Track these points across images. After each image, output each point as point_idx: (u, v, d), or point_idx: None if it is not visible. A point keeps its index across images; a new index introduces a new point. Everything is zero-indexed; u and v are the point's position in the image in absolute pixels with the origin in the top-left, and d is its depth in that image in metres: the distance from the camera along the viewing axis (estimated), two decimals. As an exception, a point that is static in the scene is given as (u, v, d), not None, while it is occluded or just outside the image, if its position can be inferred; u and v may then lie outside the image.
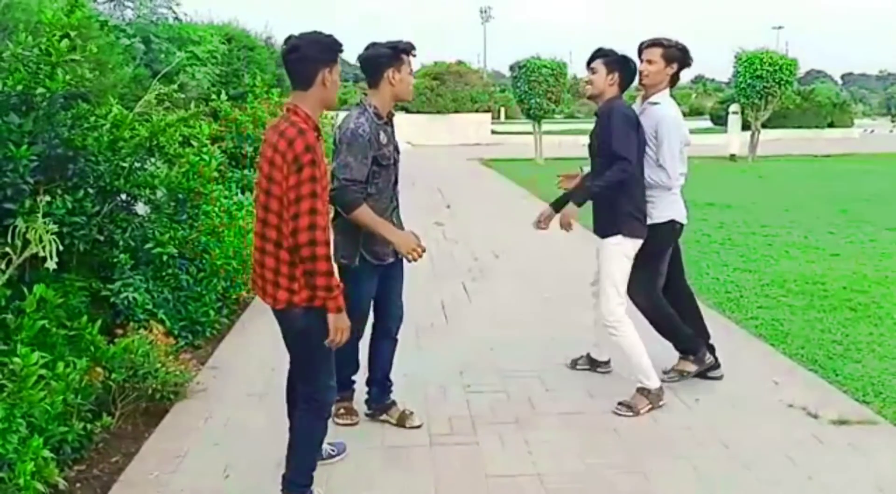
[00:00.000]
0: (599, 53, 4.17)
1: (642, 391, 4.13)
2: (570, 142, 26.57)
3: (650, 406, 4.10)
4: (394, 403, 3.98)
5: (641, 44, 4.31)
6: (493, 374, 4.65)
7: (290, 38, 2.93)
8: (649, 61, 4.23)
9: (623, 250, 4.17)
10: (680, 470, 3.48)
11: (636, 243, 4.18)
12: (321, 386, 3.03)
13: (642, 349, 4.15)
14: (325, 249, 2.78)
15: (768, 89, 20.57)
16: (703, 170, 17.97)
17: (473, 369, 4.72)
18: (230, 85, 8.96)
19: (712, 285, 6.91)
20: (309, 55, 2.83)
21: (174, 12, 8.49)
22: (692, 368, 4.52)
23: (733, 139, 21.86)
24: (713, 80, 76.87)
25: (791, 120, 31.94)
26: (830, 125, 34.49)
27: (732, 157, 21.18)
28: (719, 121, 35.66)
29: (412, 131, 26.49)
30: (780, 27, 65.29)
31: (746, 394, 4.38)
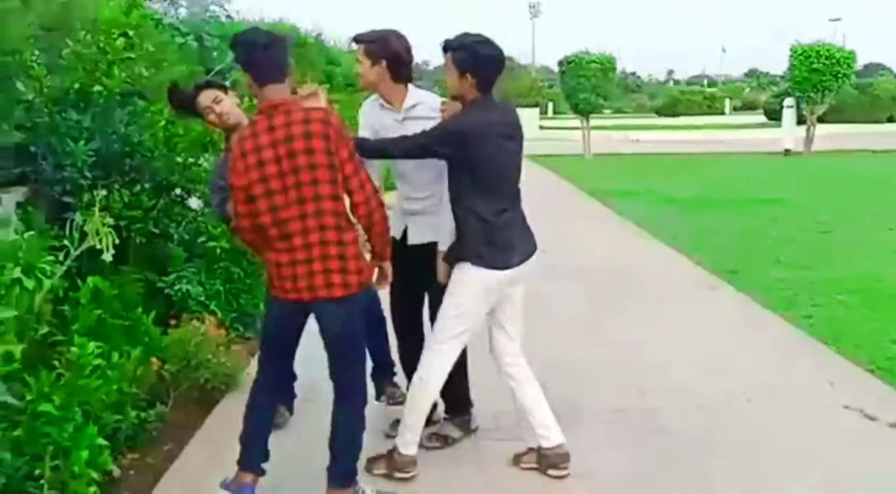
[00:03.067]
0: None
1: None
2: (619, 137, 26.33)
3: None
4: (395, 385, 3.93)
5: None
6: (539, 369, 4.58)
7: (255, 31, 3.01)
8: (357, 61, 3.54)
9: None
10: (732, 472, 3.41)
11: None
12: (365, 378, 3.09)
13: None
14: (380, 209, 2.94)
15: (825, 83, 20.07)
16: (756, 165, 17.63)
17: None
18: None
19: (766, 283, 6.74)
20: (282, 50, 2.86)
21: (226, 10, 8.64)
22: (457, 435, 3.79)
23: (788, 134, 21.32)
24: (767, 73, 75.16)
25: (848, 114, 31.00)
26: (890, 120, 33.42)
27: (787, 152, 20.66)
28: (773, 115, 34.84)
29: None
30: (837, 19, 63.14)
31: (800, 395, 4.27)
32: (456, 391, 3.66)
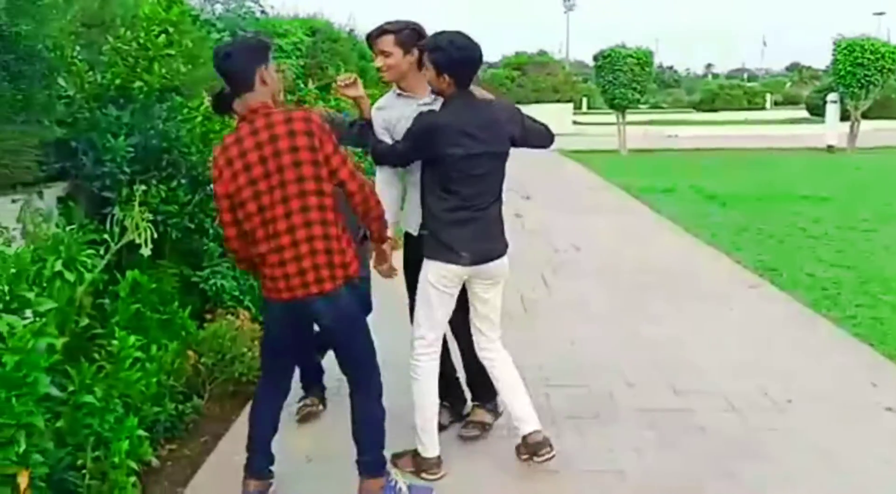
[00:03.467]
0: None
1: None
2: (655, 133, 25.98)
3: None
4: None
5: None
6: (573, 368, 4.58)
7: (221, 46, 3.08)
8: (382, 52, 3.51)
9: None
10: (770, 474, 3.35)
11: None
12: (377, 367, 3.10)
13: None
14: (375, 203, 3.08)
15: (869, 78, 19.54)
16: (798, 162, 17.27)
17: (553, 362, 4.65)
18: (314, 77, 9.10)
19: (807, 281, 6.60)
20: (242, 58, 2.88)
21: (261, 6, 8.69)
22: (491, 419, 3.83)
23: (831, 130, 20.85)
24: (809, 67, 73.63)
25: (893, 110, 30.23)
26: (936, 116, 32.46)
27: (830, 148, 20.22)
28: (816, 111, 34.09)
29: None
30: (881, 13, 61.60)
31: (842, 396, 4.17)
32: (480, 377, 3.67)
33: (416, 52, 3.39)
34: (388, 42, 3.43)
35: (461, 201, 3.24)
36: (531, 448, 3.38)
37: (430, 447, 3.36)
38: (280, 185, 2.81)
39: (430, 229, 3.31)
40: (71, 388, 2.81)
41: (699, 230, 8.96)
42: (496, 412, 3.80)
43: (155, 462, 3.33)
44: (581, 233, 8.79)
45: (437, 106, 3.37)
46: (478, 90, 3.41)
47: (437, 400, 3.41)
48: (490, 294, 3.43)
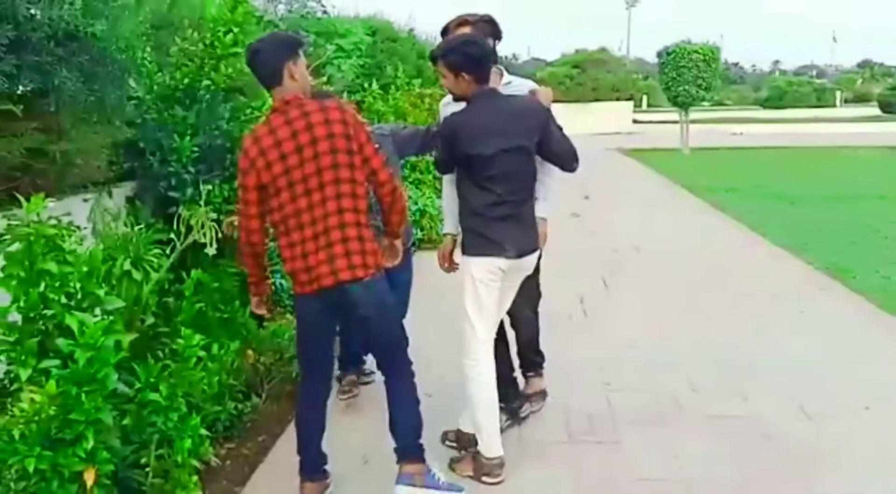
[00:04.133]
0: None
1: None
2: (719, 131, 25.34)
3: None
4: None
5: None
6: (635, 372, 4.47)
7: (252, 43, 3.09)
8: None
9: None
10: (846, 485, 3.21)
11: None
12: (407, 354, 3.13)
13: None
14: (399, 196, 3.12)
15: (949, 72, 18.67)
16: (871, 161, 16.61)
17: (614, 365, 4.55)
18: (372, 76, 9.14)
19: (882, 284, 6.32)
20: (270, 55, 2.91)
21: (322, 6, 8.76)
22: (545, 384, 4.00)
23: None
24: (882, 64, 70.85)
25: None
26: None
27: (911, 146, 19.38)
28: (889, 109, 32.83)
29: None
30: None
31: (923, 406, 3.97)
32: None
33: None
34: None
35: (498, 198, 3.28)
36: (486, 469, 3.34)
37: (493, 446, 3.32)
38: (316, 172, 2.85)
39: (471, 227, 3.34)
40: (137, 386, 2.85)
41: (766, 230, 8.68)
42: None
43: (214, 461, 3.36)
44: (641, 233, 8.61)
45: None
46: (542, 91, 3.46)
47: (496, 397, 3.37)
48: (516, 285, 3.49)
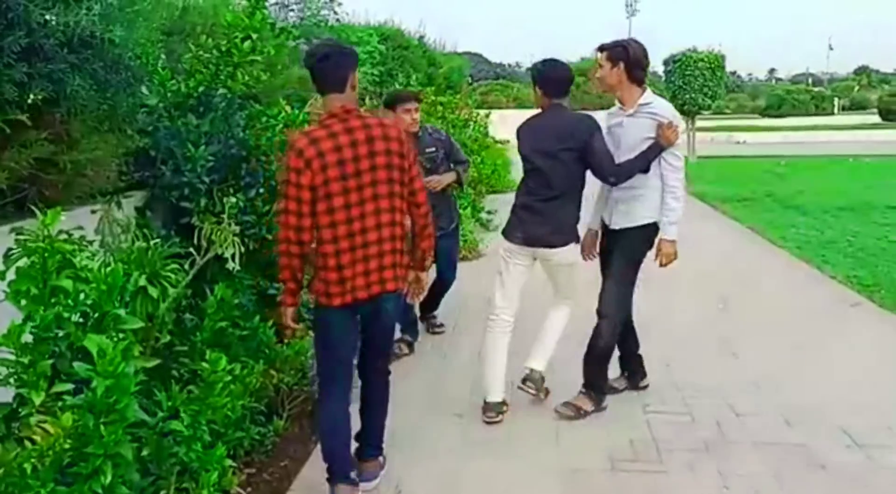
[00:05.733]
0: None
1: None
2: (721, 139, 25.24)
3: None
4: (435, 316, 5.54)
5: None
6: (673, 393, 4.27)
7: (318, 47, 3.20)
8: (599, 65, 4.03)
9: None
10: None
11: None
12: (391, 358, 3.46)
13: None
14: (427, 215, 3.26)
15: (954, 80, 18.57)
16: (877, 169, 16.44)
17: (651, 387, 4.36)
18: (384, 84, 8.97)
19: (909, 298, 6.14)
20: (340, 62, 3.03)
21: (335, 13, 8.60)
22: (590, 408, 4.03)
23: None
24: (878, 71, 71.07)
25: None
26: None
27: (912, 154, 19.27)
28: (888, 116, 32.78)
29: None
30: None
31: (973, 431, 3.78)
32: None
33: (622, 66, 3.88)
34: (601, 57, 3.98)
35: (528, 190, 3.95)
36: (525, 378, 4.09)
37: (492, 391, 4.00)
38: (371, 183, 2.95)
39: (510, 213, 4.03)
40: (159, 414, 2.65)
41: (785, 243, 8.51)
42: (599, 404, 4.04)
43: (237, 491, 3.15)
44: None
45: (624, 118, 3.95)
46: (666, 131, 3.84)
47: (503, 353, 4.01)
48: (551, 273, 4.07)
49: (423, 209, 3.16)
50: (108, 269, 2.72)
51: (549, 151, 3.82)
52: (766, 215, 10.50)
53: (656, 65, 21.20)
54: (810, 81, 65.22)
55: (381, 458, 3.41)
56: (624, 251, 3.97)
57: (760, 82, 77.43)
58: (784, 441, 3.69)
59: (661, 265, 4.02)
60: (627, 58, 3.85)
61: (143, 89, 4.08)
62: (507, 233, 3.99)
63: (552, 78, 3.93)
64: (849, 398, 4.17)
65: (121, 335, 2.69)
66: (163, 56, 4.48)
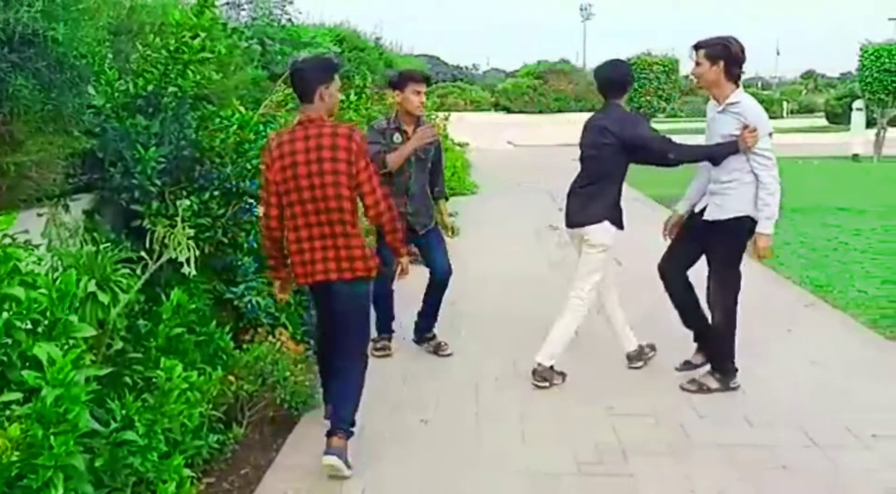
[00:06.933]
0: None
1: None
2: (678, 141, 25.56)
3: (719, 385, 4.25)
4: (434, 336, 5.15)
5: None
6: (638, 396, 4.28)
7: (298, 60, 3.81)
8: (696, 63, 4.19)
9: None
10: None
11: None
12: (367, 340, 3.74)
13: None
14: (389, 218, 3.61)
15: (897, 84, 19.18)
16: (825, 171, 16.85)
17: (615, 389, 4.37)
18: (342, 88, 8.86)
19: (861, 299, 6.23)
20: (307, 76, 3.47)
21: (287, 13, 8.46)
22: (714, 385, 4.29)
23: (857, 138, 20.40)
24: (824, 75, 73.04)
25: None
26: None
27: (855, 157, 19.79)
28: (835, 119, 33.69)
29: (514, 132, 26.04)
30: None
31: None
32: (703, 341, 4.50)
33: (722, 64, 4.04)
34: (700, 54, 4.12)
35: (575, 179, 4.52)
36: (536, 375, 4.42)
37: (542, 355, 4.42)
38: (321, 185, 3.37)
39: None
40: (112, 425, 2.54)
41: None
42: (726, 383, 4.27)
43: (194, 500, 3.04)
44: (621, 247, 8.40)
45: (716, 113, 4.17)
46: (745, 134, 4.05)
47: (570, 323, 4.43)
48: (583, 253, 4.45)
49: (371, 211, 3.51)
50: (60, 275, 2.60)
51: (592, 144, 4.35)
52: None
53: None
54: (760, 84, 66.73)
55: (343, 441, 3.43)
56: (718, 243, 4.19)
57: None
58: (747, 442, 3.71)
59: (758, 259, 4.29)
60: (728, 55, 4.02)
61: (90, 89, 3.94)
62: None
63: (605, 78, 4.41)
64: (807, 398, 4.22)
65: (72, 343, 2.60)
66: (110, 55, 4.32)
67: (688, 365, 4.53)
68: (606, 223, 4.31)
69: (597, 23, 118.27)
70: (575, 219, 4.42)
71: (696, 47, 4.13)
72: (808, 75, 73.38)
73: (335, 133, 3.40)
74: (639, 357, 4.66)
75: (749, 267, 7.35)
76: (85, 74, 3.74)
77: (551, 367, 4.41)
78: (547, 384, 4.36)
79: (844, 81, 49.73)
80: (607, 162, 4.29)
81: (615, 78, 4.39)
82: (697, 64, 4.12)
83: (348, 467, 3.37)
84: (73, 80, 3.58)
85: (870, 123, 20.32)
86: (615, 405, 4.13)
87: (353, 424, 3.49)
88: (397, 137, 4.81)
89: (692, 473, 3.38)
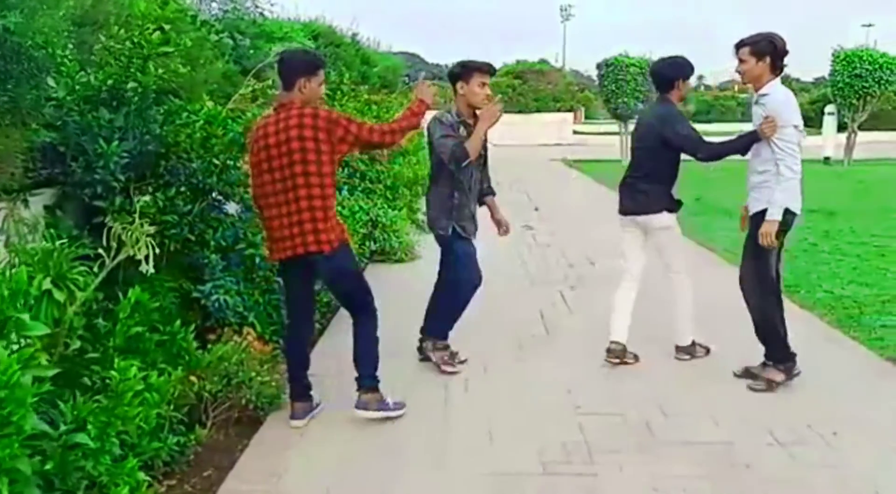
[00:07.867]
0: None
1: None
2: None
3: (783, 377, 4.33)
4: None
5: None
6: (605, 394, 4.27)
7: (285, 51, 4.19)
8: (741, 61, 4.29)
9: None
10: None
11: None
12: (371, 299, 3.90)
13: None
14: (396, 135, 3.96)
15: (867, 89, 19.39)
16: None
17: (582, 387, 4.35)
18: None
19: (827, 300, 6.30)
20: (291, 67, 3.75)
21: (259, 7, 8.35)
22: (780, 378, 4.32)
23: (829, 141, 20.68)
24: (798, 79, 73.75)
25: (884, 122, 30.10)
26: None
27: (827, 160, 20.05)
28: (808, 122, 33.97)
29: (493, 131, 25.89)
30: (870, 25, 61.70)
31: (889, 426, 3.88)
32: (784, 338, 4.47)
33: (768, 59, 4.18)
34: (743, 51, 4.22)
35: (633, 172, 4.73)
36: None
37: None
38: (289, 165, 3.60)
39: None
40: (63, 427, 2.46)
41: (713, 245, 8.65)
42: (790, 372, 4.34)
43: (154, 503, 2.98)
44: (593, 246, 8.43)
45: (753, 104, 4.39)
46: (767, 123, 4.18)
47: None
48: (653, 239, 4.76)
49: (379, 140, 3.91)
50: (12, 272, 2.52)
51: (640, 136, 4.74)
52: (695, 219, 10.65)
53: (591, 69, 21.60)
54: (737, 88, 67.28)
55: (369, 394, 3.85)
56: (754, 234, 4.29)
57: (690, 89, 79.25)
58: (711, 440, 3.72)
59: (760, 242, 4.27)
60: (774, 51, 4.19)
61: (50, 81, 3.84)
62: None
63: (654, 73, 4.75)
64: (770, 396, 4.25)
65: (25, 342, 2.52)
66: (71, 46, 4.21)
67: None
68: (664, 214, 4.62)
69: (575, 24, 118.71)
70: (628, 208, 4.73)
71: (740, 45, 4.25)
72: (784, 80, 74.01)
73: (302, 113, 3.62)
74: (616, 355, 4.71)
75: (718, 268, 7.50)
76: (44, 65, 3.65)
77: (693, 342, 4.77)
78: (689, 356, 4.76)
79: (818, 85, 50.25)
80: (655, 155, 4.58)
81: (663, 74, 4.64)
82: (741, 61, 4.23)
83: (392, 409, 3.89)
84: (30, 71, 3.50)
85: (841, 127, 20.58)
86: (582, 403, 4.12)
87: (375, 378, 3.86)
88: (463, 133, 4.55)
89: (657, 471, 3.37)
